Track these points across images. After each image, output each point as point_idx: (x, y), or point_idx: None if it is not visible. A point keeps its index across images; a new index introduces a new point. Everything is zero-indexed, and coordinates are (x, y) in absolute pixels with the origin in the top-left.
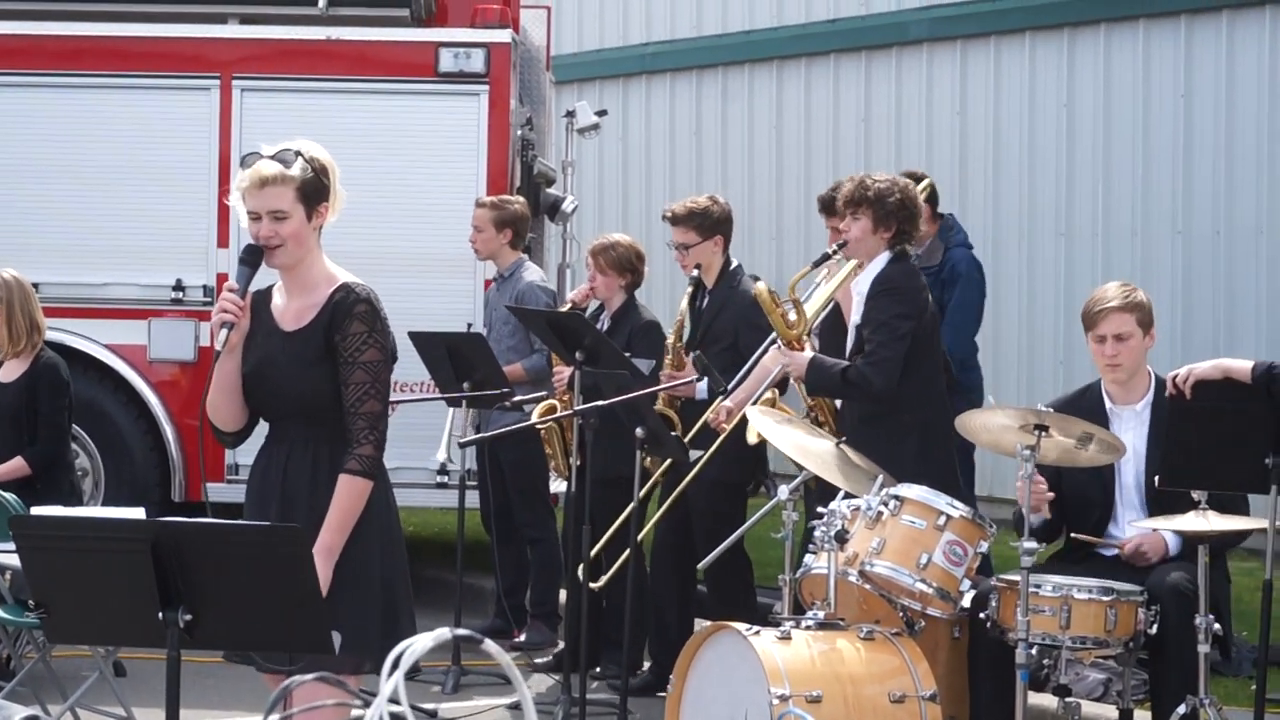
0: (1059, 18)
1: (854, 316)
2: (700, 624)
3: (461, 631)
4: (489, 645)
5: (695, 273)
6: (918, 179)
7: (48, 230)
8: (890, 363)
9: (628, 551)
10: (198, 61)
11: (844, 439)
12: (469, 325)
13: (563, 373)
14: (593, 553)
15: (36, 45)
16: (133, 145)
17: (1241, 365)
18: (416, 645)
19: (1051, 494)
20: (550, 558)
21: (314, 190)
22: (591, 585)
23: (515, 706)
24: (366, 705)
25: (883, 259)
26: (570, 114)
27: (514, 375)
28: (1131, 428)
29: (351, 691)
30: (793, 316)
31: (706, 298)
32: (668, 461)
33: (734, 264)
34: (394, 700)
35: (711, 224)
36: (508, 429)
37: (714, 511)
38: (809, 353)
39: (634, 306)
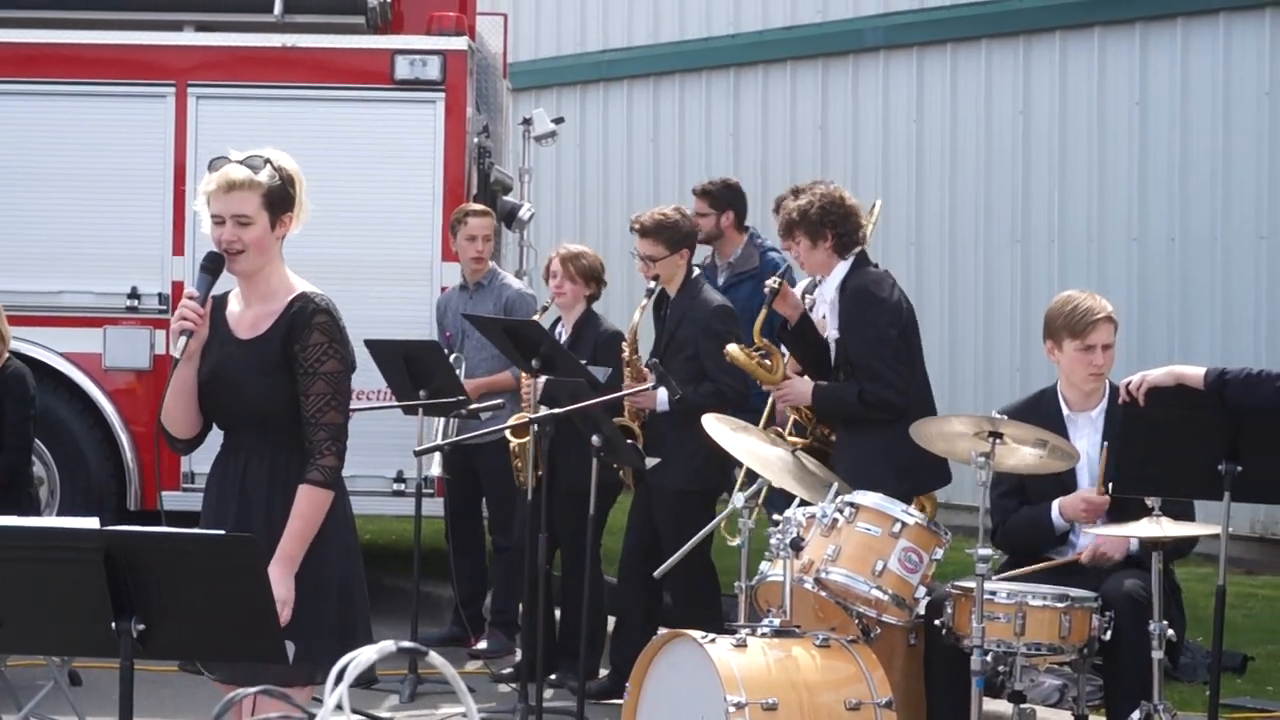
0: (1015, 25)
1: (830, 328)
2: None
3: (406, 644)
4: (434, 658)
5: (653, 284)
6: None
7: (1, 238)
8: (902, 378)
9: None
10: (153, 69)
11: (798, 447)
12: (448, 337)
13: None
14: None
15: None
16: (88, 153)
17: (1194, 372)
18: (361, 657)
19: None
20: (515, 567)
21: (280, 199)
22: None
23: None
24: (313, 717)
25: (844, 266)
26: (527, 121)
27: (504, 383)
28: (1087, 434)
29: (296, 705)
30: (768, 361)
31: (669, 307)
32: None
33: (695, 273)
34: (348, 710)
35: (680, 238)
36: (465, 438)
37: (678, 520)
38: (806, 381)
39: (594, 316)
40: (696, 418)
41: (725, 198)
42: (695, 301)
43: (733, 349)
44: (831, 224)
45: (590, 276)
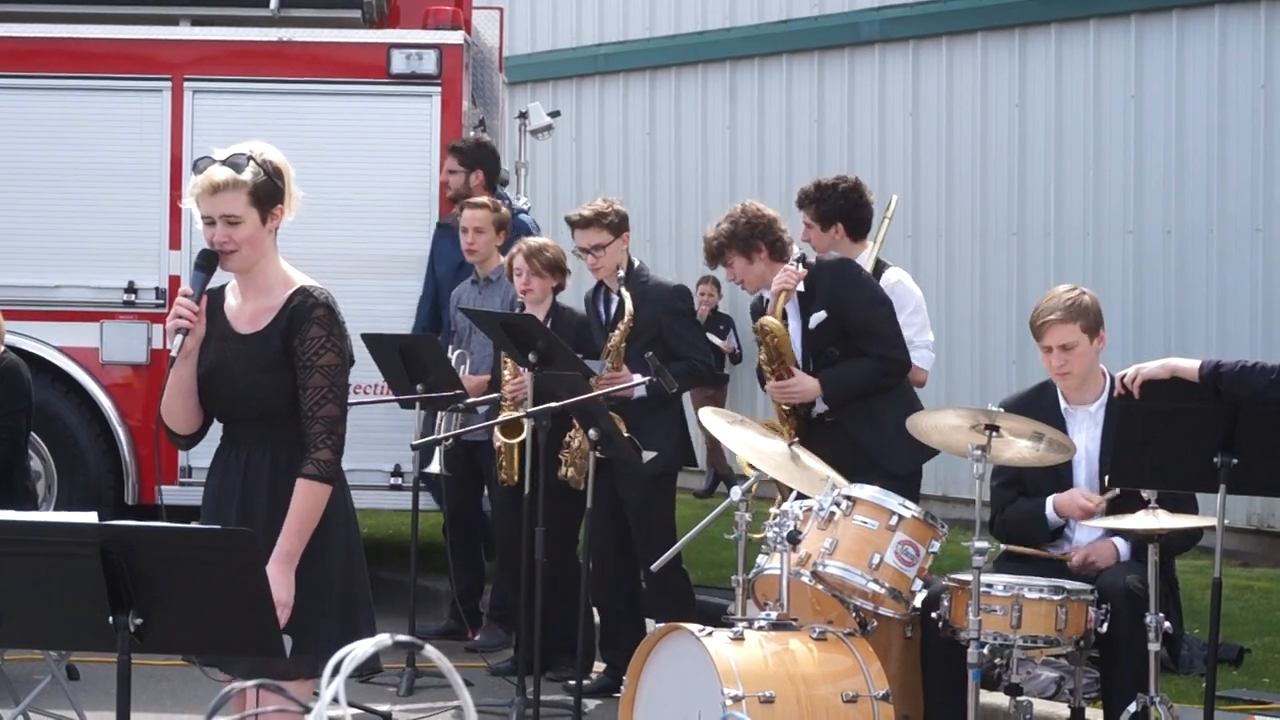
0: (1010, 18)
1: (794, 320)
2: (650, 624)
3: (402, 638)
4: (430, 651)
5: (621, 272)
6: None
7: None
8: (901, 335)
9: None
10: (149, 63)
11: (796, 440)
12: (452, 331)
13: (522, 383)
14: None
15: None
16: (84, 147)
17: (1189, 364)
18: (357, 651)
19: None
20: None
21: (267, 194)
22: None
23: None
24: (309, 711)
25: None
26: (523, 115)
27: None
28: (1085, 428)
29: (291, 698)
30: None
31: (628, 298)
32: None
33: (637, 262)
34: (344, 704)
35: (618, 223)
36: (463, 431)
37: (650, 504)
38: (808, 377)
39: (561, 307)
40: (671, 399)
41: (476, 156)
42: (648, 286)
43: (772, 321)
44: (761, 234)
45: (555, 269)
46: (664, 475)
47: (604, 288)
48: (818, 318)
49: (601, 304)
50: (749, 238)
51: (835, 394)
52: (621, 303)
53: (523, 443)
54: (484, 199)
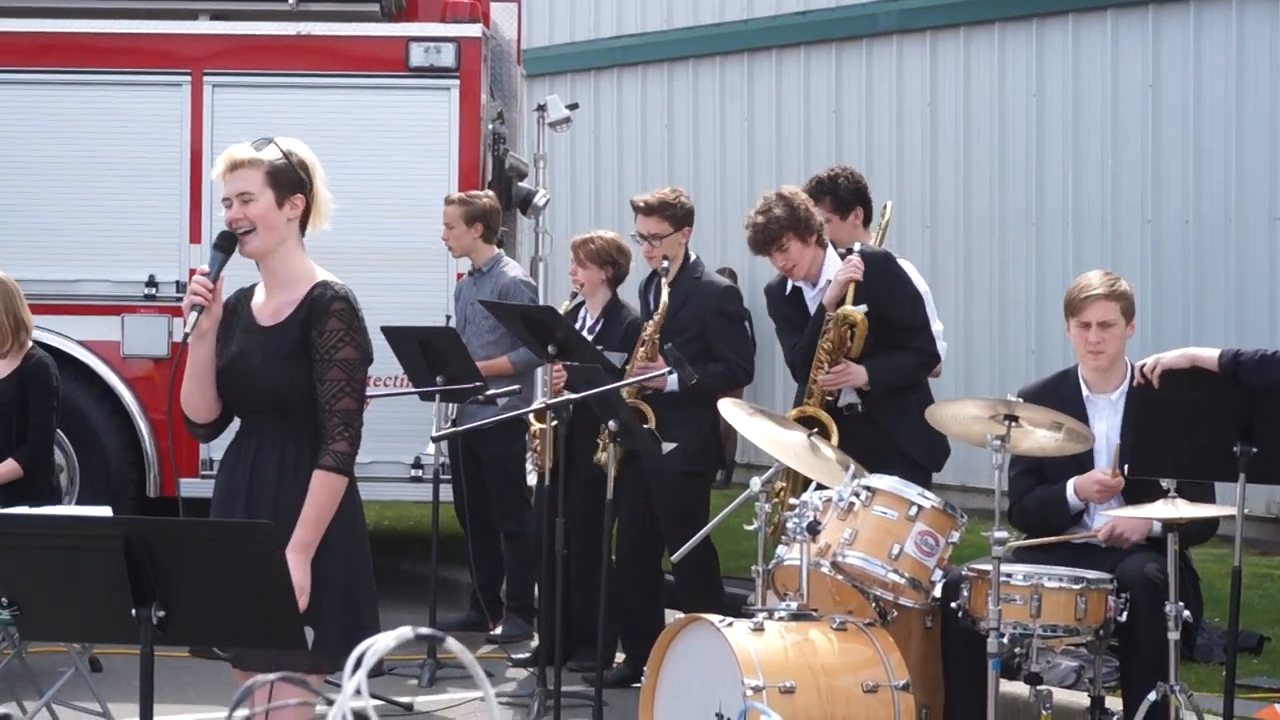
0: (1028, 8)
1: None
2: (671, 615)
3: (424, 630)
4: (452, 643)
5: (666, 263)
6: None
7: (19, 226)
8: (931, 330)
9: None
10: (169, 57)
11: (815, 430)
12: (448, 319)
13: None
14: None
15: (6, 41)
16: (105, 142)
17: (1209, 354)
18: (379, 644)
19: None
20: (527, 551)
21: (286, 178)
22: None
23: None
24: (331, 704)
25: (832, 252)
26: (541, 107)
27: (500, 368)
28: (1106, 416)
29: (315, 691)
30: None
31: (665, 290)
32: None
33: (694, 256)
34: (367, 696)
35: (682, 216)
36: (482, 423)
37: (680, 502)
38: (854, 364)
39: (621, 303)
40: (705, 398)
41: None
42: (699, 283)
43: (855, 312)
44: (797, 229)
45: (603, 259)
46: (693, 475)
47: (657, 278)
48: (859, 309)
49: (653, 294)
50: (808, 219)
51: (878, 383)
52: (649, 294)
53: (555, 428)
54: (455, 195)
